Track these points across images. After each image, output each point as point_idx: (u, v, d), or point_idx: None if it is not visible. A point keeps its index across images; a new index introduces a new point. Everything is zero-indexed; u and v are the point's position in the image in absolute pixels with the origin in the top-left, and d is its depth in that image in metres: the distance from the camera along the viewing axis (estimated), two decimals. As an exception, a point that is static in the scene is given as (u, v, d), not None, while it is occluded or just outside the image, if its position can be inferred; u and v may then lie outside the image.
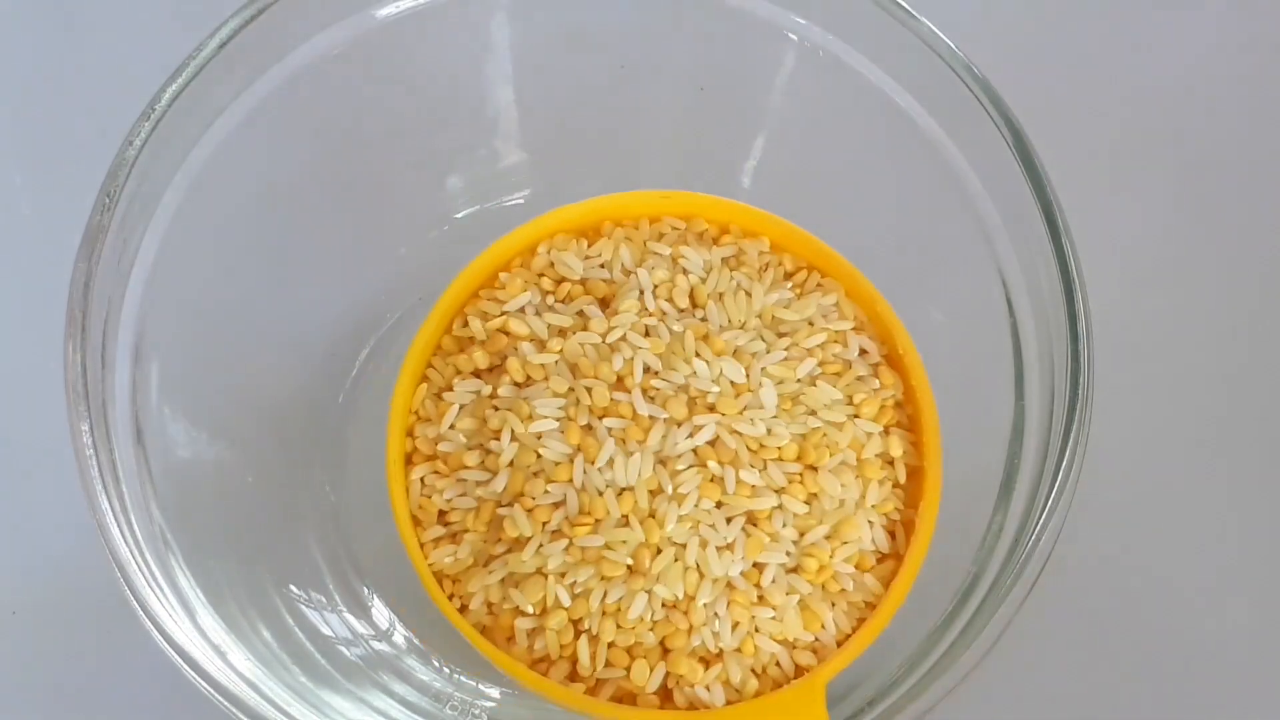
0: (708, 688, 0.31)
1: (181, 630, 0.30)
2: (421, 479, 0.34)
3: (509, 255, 0.36)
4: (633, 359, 0.32)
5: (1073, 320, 0.32)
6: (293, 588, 0.36)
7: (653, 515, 0.31)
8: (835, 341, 0.34)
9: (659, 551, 0.31)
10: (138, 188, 0.32)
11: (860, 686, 0.32)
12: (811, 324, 0.34)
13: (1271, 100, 0.46)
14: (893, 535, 0.33)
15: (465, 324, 0.35)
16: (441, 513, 0.33)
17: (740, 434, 0.32)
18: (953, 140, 0.35)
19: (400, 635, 0.37)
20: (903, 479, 0.34)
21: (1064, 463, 0.31)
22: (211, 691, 0.29)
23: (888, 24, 0.34)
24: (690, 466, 0.32)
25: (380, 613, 0.38)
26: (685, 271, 0.34)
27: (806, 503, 0.32)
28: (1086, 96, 0.46)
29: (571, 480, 0.32)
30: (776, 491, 0.32)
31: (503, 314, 0.34)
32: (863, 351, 0.34)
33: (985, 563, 0.32)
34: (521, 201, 0.42)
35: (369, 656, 0.36)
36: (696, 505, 0.31)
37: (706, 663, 0.32)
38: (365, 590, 0.38)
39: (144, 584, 0.30)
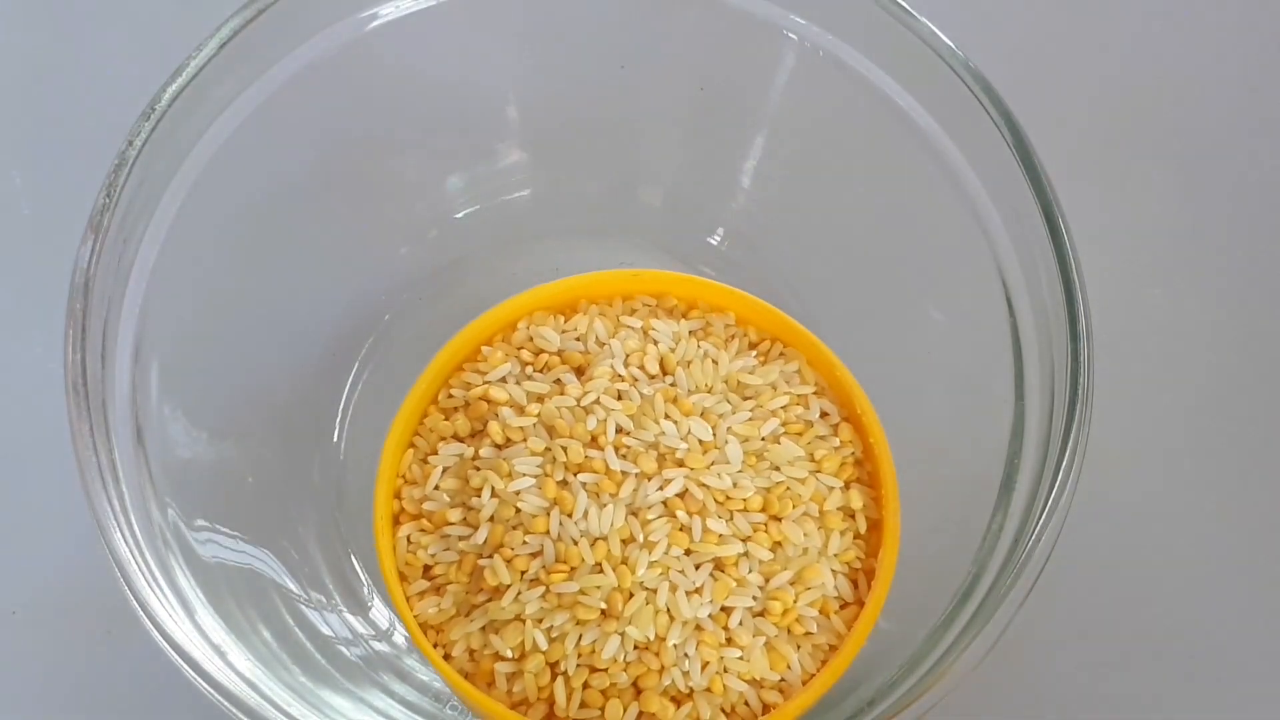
0: None
1: (181, 630, 0.30)
2: (408, 537, 0.35)
3: (490, 331, 0.37)
4: (606, 419, 0.34)
5: (1073, 320, 0.32)
6: (292, 587, 0.36)
7: (625, 562, 0.32)
8: (797, 404, 0.36)
9: (631, 596, 0.32)
10: (138, 188, 0.32)
11: (860, 687, 0.32)
12: (775, 388, 0.36)
13: (1272, 100, 0.46)
14: (855, 584, 0.34)
15: (450, 395, 0.36)
16: (426, 567, 0.34)
17: (708, 486, 0.33)
18: (953, 140, 0.35)
19: (400, 635, 0.37)
20: (864, 530, 0.35)
21: (1064, 463, 0.31)
22: (211, 691, 0.29)
23: (888, 24, 0.34)
24: (660, 516, 0.33)
25: (380, 613, 0.38)
26: (655, 342, 0.36)
27: (771, 550, 0.33)
28: (1086, 96, 0.46)
29: (548, 531, 0.33)
30: (743, 540, 0.33)
31: (484, 383, 0.35)
32: (823, 413, 0.36)
33: (985, 563, 0.32)
34: (521, 201, 0.42)
35: (369, 656, 0.36)
36: (666, 552, 0.32)
37: (678, 702, 0.33)
38: (365, 590, 0.38)
39: (144, 584, 0.30)
